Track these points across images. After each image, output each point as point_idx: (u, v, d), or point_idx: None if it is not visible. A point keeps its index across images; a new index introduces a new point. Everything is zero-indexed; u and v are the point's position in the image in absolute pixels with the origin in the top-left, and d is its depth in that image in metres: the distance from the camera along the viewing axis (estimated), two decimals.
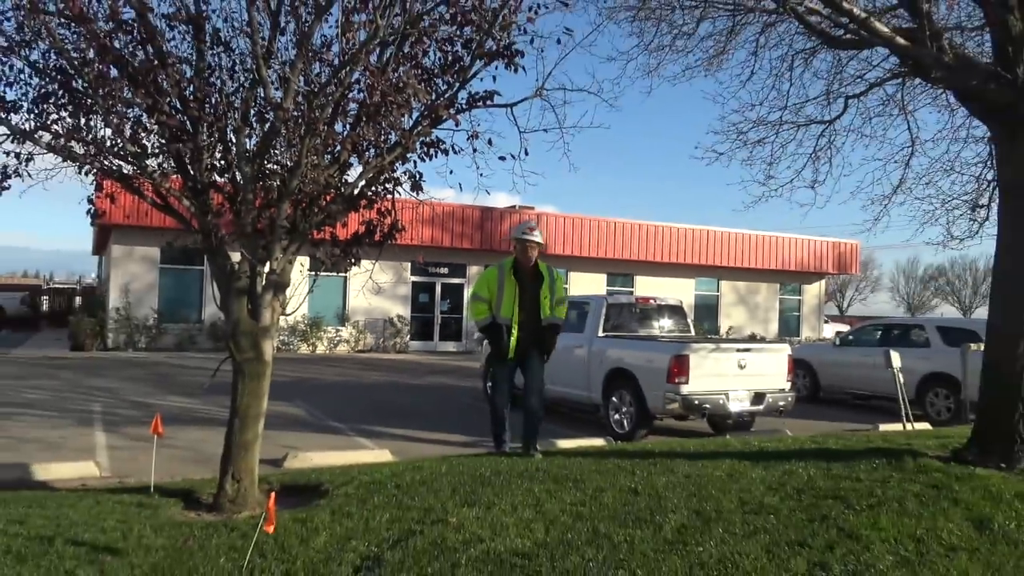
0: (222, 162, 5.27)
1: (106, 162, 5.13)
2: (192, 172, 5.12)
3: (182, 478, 6.29)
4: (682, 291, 27.26)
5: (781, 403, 9.66)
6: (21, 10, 4.74)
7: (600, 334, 10.32)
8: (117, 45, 4.85)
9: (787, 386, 9.78)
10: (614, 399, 9.75)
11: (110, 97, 4.75)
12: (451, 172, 5.84)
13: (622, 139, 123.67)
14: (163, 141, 5.12)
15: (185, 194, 5.13)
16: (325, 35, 5.20)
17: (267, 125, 5.14)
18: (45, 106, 5.08)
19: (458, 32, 5.26)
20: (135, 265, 21.83)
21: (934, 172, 9.69)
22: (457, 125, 5.35)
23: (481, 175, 5.60)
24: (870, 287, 70.69)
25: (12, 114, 5.02)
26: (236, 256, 5.25)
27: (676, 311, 11.49)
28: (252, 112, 5.17)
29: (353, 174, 5.42)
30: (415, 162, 5.51)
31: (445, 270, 25.69)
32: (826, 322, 35.31)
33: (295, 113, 4.86)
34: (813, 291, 32.03)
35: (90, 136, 5.04)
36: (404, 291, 24.99)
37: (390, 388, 14.90)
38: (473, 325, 23.83)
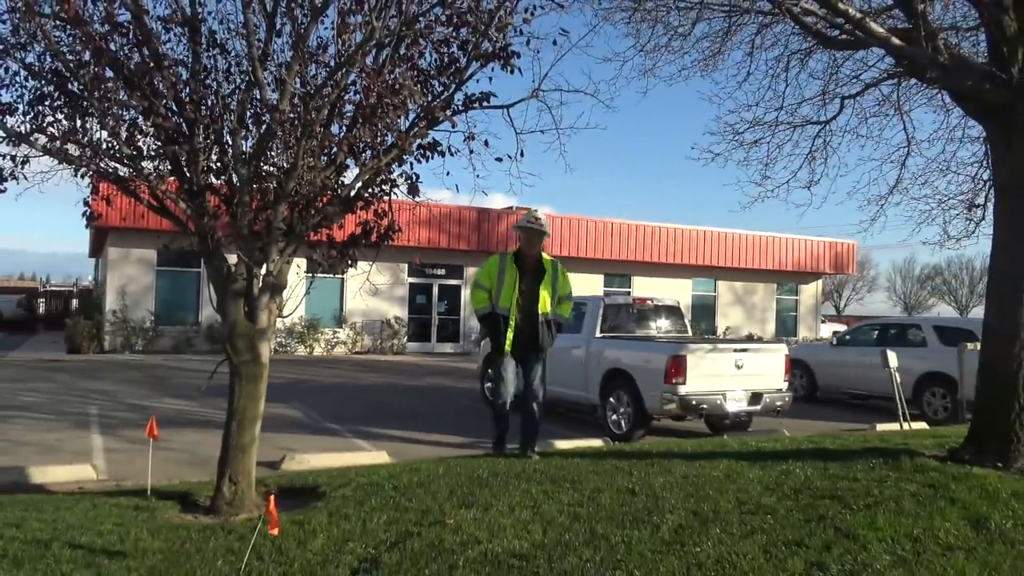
0: (218, 164, 5.27)
1: (102, 164, 5.12)
2: (188, 174, 5.12)
3: (179, 481, 6.28)
4: (679, 291, 27.28)
5: (778, 403, 9.67)
6: (17, 12, 4.74)
7: (597, 335, 10.32)
8: (113, 47, 4.85)
9: (784, 386, 9.79)
10: (611, 400, 9.75)
11: (106, 99, 4.74)
12: (448, 173, 5.83)
13: (619, 139, 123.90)
14: (159, 143, 5.11)
15: (181, 196, 5.13)
16: (321, 37, 5.21)
17: (263, 127, 5.14)
18: (41, 108, 5.07)
19: (454, 34, 5.27)
20: (132, 267, 21.80)
21: (930, 172, 9.74)
22: (453, 127, 5.36)
23: (478, 176, 5.61)
24: (867, 287, 70.92)
25: (8, 116, 5.01)
26: (233, 258, 5.25)
27: (673, 311, 11.50)
28: (248, 114, 5.17)
29: (350, 176, 5.42)
30: (411, 164, 5.51)
31: (442, 271, 25.68)
32: (823, 322, 35.39)
33: (291, 115, 4.85)
34: (810, 291, 32.08)
35: (86, 138, 5.03)
36: (401, 292, 24.98)
37: (387, 389, 14.89)
38: (472, 327, 23.99)
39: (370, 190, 5.49)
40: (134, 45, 4.95)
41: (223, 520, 4.91)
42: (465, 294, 24.98)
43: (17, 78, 5.05)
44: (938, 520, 4.54)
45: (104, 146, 5.06)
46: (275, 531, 3.89)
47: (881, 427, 9.98)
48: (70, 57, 4.89)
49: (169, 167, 5.20)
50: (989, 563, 3.95)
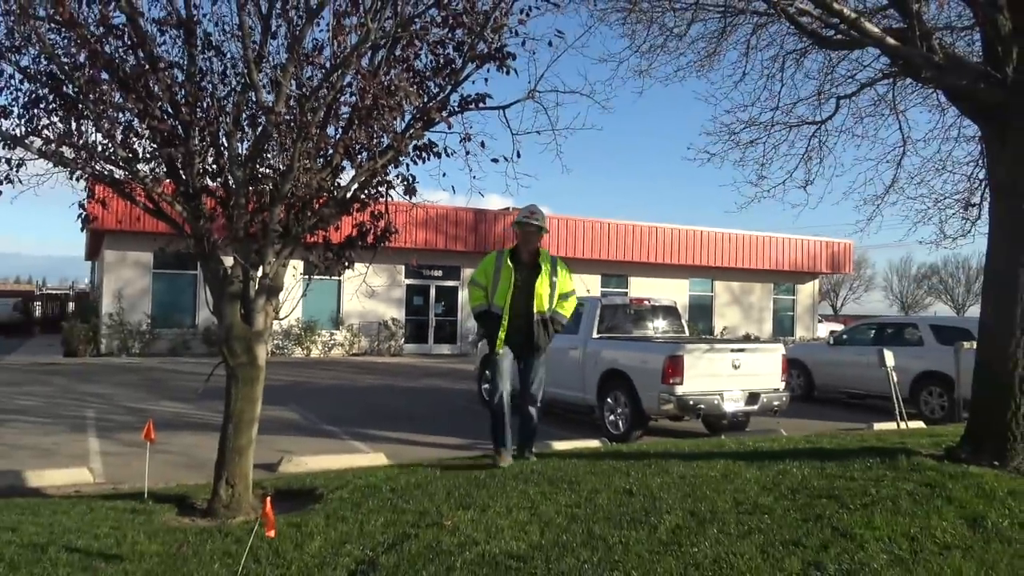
0: (214, 166, 5.26)
1: (97, 167, 5.12)
2: (184, 177, 5.11)
3: (176, 484, 6.27)
4: (676, 292, 27.31)
5: (776, 403, 9.68)
6: (11, 15, 4.73)
7: (595, 335, 10.33)
8: (108, 50, 4.85)
9: (781, 386, 9.81)
10: (609, 400, 9.76)
11: (101, 102, 4.74)
12: (444, 175, 5.83)
13: (615, 139, 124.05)
14: (154, 146, 5.11)
15: (177, 199, 5.12)
16: (316, 39, 5.21)
17: (259, 129, 5.14)
18: (36, 111, 5.06)
19: (450, 35, 5.26)
20: (128, 270, 21.77)
21: (926, 171, 9.77)
22: (449, 128, 5.35)
23: (474, 177, 5.58)
24: (864, 286, 70.98)
25: (3, 119, 5.01)
26: (229, 261, 5.24)
27: (670, 312, 11.51)
28: (244, 116, 5.16)
29: (346, 177, 5.41)
30: (408, 165, 5.50)
31: (439, 273, 25.68)
32: (820, 321, 35.43)
33: (287, 117, 4.85)
34: (807, 291, 32.12)
35: (81, 141, 5.02)
36: (398, 294, 24.98)
37: (385, 391, 14.88)
38: (469, 328, 23.99)
39: (366, 192, 5.49)
40: (129, 48, 4.95)
41: (220, 523, 4.91)
42: (462, 295, 24.99)
43: (12, 81, 5.05)
44: (935, 519, 4.55)
45: (99, 149, 5.06)
46: (272, 534, 3.88)
47: (878, 426, 10.00)
48: (65, 60, 4.89)
49: (165, 170, 5.19)
50: (986, 561, 3.95)
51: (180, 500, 5.48)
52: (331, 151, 5.09)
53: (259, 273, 5.20)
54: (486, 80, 5.48)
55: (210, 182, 5.30)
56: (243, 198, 5.06)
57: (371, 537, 4.38)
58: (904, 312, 65.47)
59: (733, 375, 9.34)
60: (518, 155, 5.77)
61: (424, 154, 5.51)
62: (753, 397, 9.45)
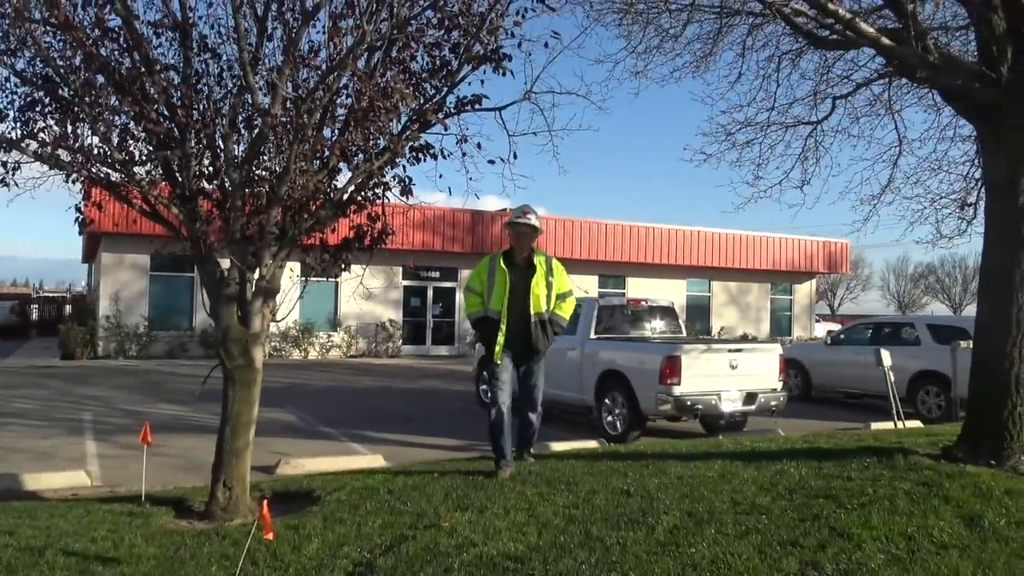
0: (210, 169, 5.26)
1: (93, 170, 5.11)
2: (180, 179, 5.11)
3: (173, 486, 6.26)
4: (673, 292, 27.32)
5: (773, 403, 9.69)
6: (6, 18, 4.73)
7: (592, 336, 10.33)
8: (103, 53, 4.85)
9: (779, 386, 9.82)
10: (607, 401, 9.76)
11: (97, 105, 4.74)
12: (440, 176, 5.84)
13: (611, 139, 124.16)
14: (151, 148, 5.10)
15: (173, 201, 5.12)
16: (312, 40, 5.20)
17: (255, 131, 5.13)
18: (31, 114, 5.07)
19: (445, 36, 5.27)
20: (125, 273, 21.73)
21: (922, 171, 9.77)
22: (446, 129, 5.36)
23: (471, 179, 5.60)
24: (861, 286, 71.01)
25: None
26: (226, 263, 5.23)
27: (668, 312, 11.52)
28: (240, 118, 5.16)
29: (342, 179, 5.42)
30: (404, 166, 5.51)
31: (436, 274, 25.68)
32: (817, 321, 35.44)
33: (283, 119, 4.84)
34: (804, 291, 32.16)
35: (77, 144, 5.02)
36: (395, 295, 24.96)
37: (382, 393, 14.87)
38: (466, 329, 23.97)
39: (363, 193, 5.49)
40: (125, 50, 4.95)
41: (217, 525, 4.90)
42: (459, 297, 24.97)
43: (7, 84, 5.06)
44: (932, 518, 4.55)
45: (95, 151, 5.06)
46: (270, 536, 3.88)
47: (875, 426, 10.01)
48: (60, 62, 4.88)
49: (161, 172, 5.19)
50: (983, 561, 3.96)
51: (177, 503, 5.47)
52: (327, 153, 5.09)
53: (256, 275, 5.19)
54: (482, 82, 5.49)
55: (206, 184, 5.30)
56: (239, 200, 5.05)
57: (369, 539, 4.38)
58: (901, 312, 65.56)
59: (730, 375, 9.35)
60: (514, 156, 5.77)
61: (420, 155, 5.52)
62: (750, 397, 9.46)
